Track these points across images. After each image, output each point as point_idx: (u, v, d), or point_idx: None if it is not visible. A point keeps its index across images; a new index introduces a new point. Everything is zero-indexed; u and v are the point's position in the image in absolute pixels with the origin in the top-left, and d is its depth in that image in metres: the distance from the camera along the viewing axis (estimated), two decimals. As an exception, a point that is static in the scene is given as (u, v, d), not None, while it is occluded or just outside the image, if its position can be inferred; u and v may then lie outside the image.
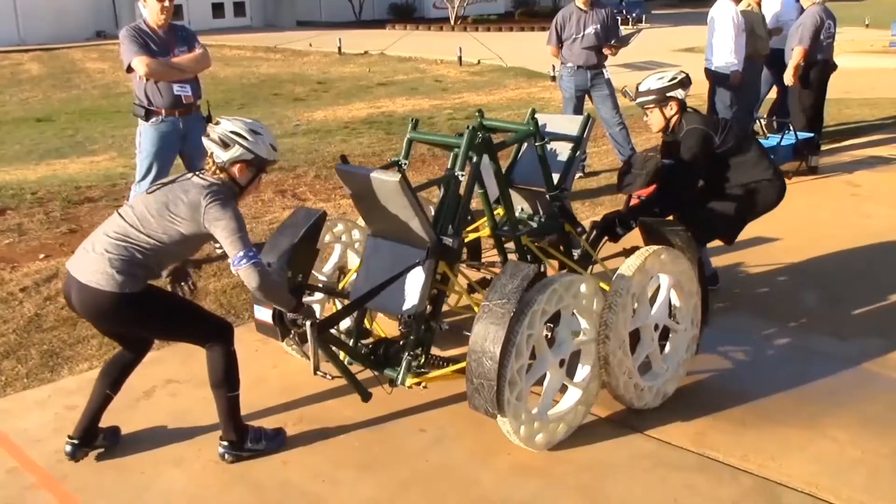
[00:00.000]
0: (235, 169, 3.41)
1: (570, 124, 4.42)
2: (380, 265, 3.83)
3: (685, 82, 4.60)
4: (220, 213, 3.27)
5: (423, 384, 3.74)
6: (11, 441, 3.74)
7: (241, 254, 3.23)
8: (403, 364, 3.70)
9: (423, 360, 3.74)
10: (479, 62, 19.44)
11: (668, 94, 4.55)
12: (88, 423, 3.59)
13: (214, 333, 3.54)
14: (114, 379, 3.64)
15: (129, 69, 5.50)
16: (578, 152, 4.37)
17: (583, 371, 3.66)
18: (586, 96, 8.03)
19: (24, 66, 21.23)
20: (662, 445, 3.62)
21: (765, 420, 3.81)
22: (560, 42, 7.95)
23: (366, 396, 3.77)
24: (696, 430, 3.73)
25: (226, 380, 3.54)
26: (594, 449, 3.60)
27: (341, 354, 3.77)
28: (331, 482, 3.41)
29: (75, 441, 3.56)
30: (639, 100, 4.64)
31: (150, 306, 3.41)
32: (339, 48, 22.22)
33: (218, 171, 3.43)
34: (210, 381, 3.55)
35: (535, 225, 4.29)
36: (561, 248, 4.47)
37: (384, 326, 4.25)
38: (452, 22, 30.10)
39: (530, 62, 17.72)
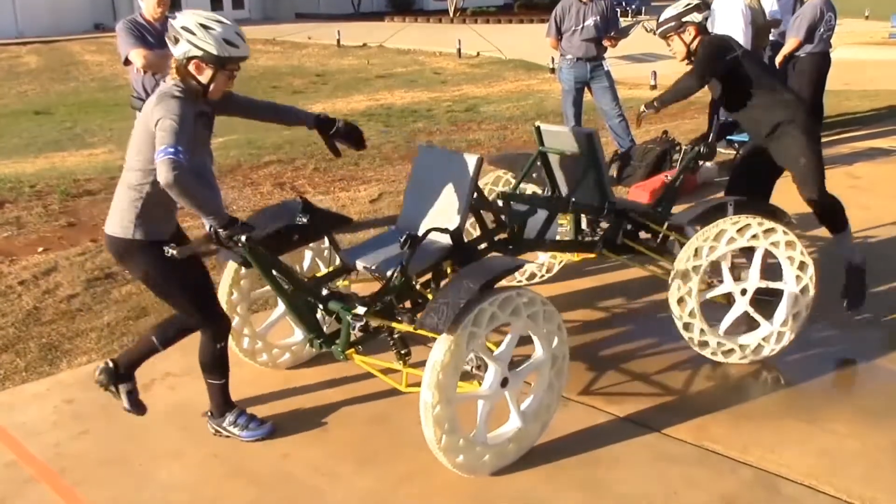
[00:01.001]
0: (193, 67, 3.29)
1: (572, 140, 4.40)
2: (390, 240, 3.85)
3: (700, 6, 4.62)
4: (162, 111, 3.15)
5: (345, 353, 3.61)
6: (10, 434, 3.74)
7: (164, 147, 3.03)
8: (357, 305, 3.56)
9: (376, 308, 3.57)
10: (478, 54, 19.41)
11: (683, 20, 4.57)
12: (129, 361, 3.63)
13: (211, 322, 3.53)
14: (168, 336, 3.66)
15: (127, 62, 5.48)
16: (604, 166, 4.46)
17: (531, 402, 3.53)
18: (585, 88, 8.01)
19: (23, 58, 21.20)
20: (662, 438, 3.62)
21: (764, 413, 3.81)
22: (559, 34, 7.93)
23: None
24: (696, 422, 3.72)
25: (212, 368, 3.58)
26: (594, 441, 3.59)
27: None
28: (330, 475, 3.40)
29: (111, 366, 3.59)
30: (659, 30, 4.70)
31: (160, 260, 3.33)
32: (338, 40, 22.19)
33: (178, 72, 3.32)
34: (199, 363, 3.60)
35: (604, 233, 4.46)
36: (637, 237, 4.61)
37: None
38: (451, 14, 30.03)
39: (529, 54, 17.69)
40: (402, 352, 3.55)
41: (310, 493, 3.30)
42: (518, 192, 4.59)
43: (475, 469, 3.31)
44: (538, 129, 4.52)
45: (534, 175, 4.72)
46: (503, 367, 3.32)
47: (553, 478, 3.35)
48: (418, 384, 3.17)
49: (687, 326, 4.05)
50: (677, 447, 3.55)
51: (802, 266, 4.10)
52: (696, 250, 3.99)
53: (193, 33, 3.24)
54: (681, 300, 4.01)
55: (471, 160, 3.78)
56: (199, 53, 3.25)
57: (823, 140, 8.74)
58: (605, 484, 3.31)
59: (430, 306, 3.18)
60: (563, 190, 4.57)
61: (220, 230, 3.22)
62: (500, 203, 4.34)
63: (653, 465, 3.42)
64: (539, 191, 4.87)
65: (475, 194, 3.88)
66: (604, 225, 4.50)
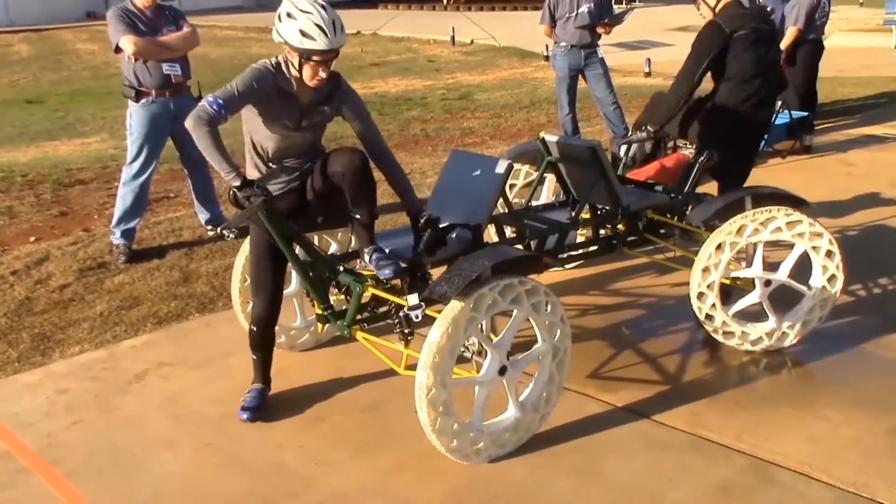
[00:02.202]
0: (287, 51, 3.43)
1: (578, 149, 4.41)
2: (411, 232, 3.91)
3: None
4: (238, 77, 3.38)
5: (349, 328, 3.62)
6: (2, 425, 3.72)
7: (207, 97, 3.29)
8: (367, 279, 3.60)
9: (387, 282, 3.62)
10: (472, 42, 19.34)
11: None
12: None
13: (255, 293, 3.75)
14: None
15: (118, 49, 5.45)
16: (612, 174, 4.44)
17: (530, 393, 3.50)
18: (580, 76, 7.99)
19: (14, 47, 21.09)
20: (656, 425, 3.62)
21: (758, 400, 3.81)
22: (553, 21, 7.90)
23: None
24: (690, 410, 3.72)
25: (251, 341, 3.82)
26: (588, 429, 3.60)
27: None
28: (325, 464, 3.40)
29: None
30: None
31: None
32: (332, 28, 22.04)
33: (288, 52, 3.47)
34: None
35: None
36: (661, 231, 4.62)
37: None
38: (445, 1, 29.90)
39: (524, 42, 17.63)
40: (406, 331, 3.54)
41: (304, 481, 3.29)
42: (532, 203, 4.67)
43: (469, 455, 3.31)
44: (543, 140, 4.52)
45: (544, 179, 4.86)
46: (502, 354, 3.31)
47: (547, 465, 3.35)
48: (416, 367, 3.16)
49: (701, 297, 4.03)
50: (671, 435, 3.55)
51: (832, 279, 4.10)
52: (741, 228, 3.97)
53: (280, 20, 3.36)
54: (706, 270, 4.00)
55: (500, 164, 3.85)
56: (280, 41, 3.38)
57: (817, 128, 8.78)
58: (599, 471, 3.31)
59: (441, 276, 3.20)
60: (577, 195, 4.58)
61: (237, 190, 3.31)
62: (521, 220, 4.39)
63: (647, 453, 3.42)
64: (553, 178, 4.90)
65: (500, 199, 3.96)
66: (621, 227, 4.51)
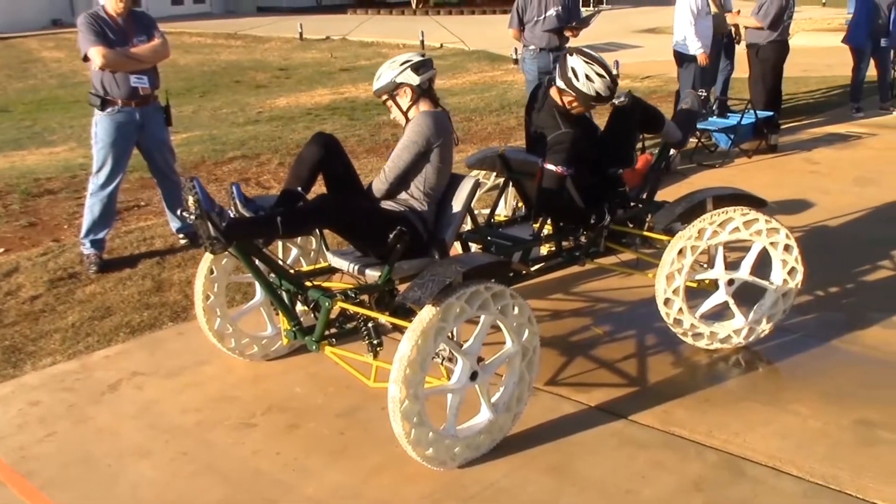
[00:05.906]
0: None
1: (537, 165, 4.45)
2: None
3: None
4: None
5: (318, 344, 3.65)
6: (-25, 438, 3.69)
7: None
8: (336, 295, 3.63)
9: (356, 297, 3.66)
10: (441, 46, 19.38)
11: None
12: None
13: None
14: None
15: (86, 58, 5.40)
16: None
17: (502, 394, 3.52)
18: (549, 79, 8.04)
19: (-22, 56, 20.78)
20: (629, 424, 3.66)
21: (728, 397, 3.87)
22: (522, 25, 7.95)
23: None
24: (662, 408, 3.77)
25: None
26: (562, 429, 3.63)
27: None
28: (301, 470, 3.41)
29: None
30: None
31: None
32: (301, 34, 22.02)
33: None
34: None
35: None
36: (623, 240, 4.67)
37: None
38: (414, 6, 29.92)
39: (493, 45, 17.69)
40: (375, 342, 3.56)
41: (280, 488, 3.30)
42: (494, 219, 4.76)
43: (445, 461, 3.33)
44: (502, 156, 4.55)
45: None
46: (472, 360, 3.33)
47: (522, 466, 3.38)
48: (388, 379, 3.17)
49: (667, 302, 4.09)
50: (644, 433, 3.60)
51: (792, 272, 4.18)
52: (700, 231, 4.03)
53: None
54: (670, 276, 4.06)
55: (467, 182, 3.93)
56: None
57: (783, 127, 8.91)
58: (573, 470, 3.35)
59: (414, 282, 3.22)
60: (539, 210, 4.62)
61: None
62: (485, 236, 4.48)
63: (620, 451, 3.47)
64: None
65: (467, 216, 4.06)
66: (584, 239, 4.55)
